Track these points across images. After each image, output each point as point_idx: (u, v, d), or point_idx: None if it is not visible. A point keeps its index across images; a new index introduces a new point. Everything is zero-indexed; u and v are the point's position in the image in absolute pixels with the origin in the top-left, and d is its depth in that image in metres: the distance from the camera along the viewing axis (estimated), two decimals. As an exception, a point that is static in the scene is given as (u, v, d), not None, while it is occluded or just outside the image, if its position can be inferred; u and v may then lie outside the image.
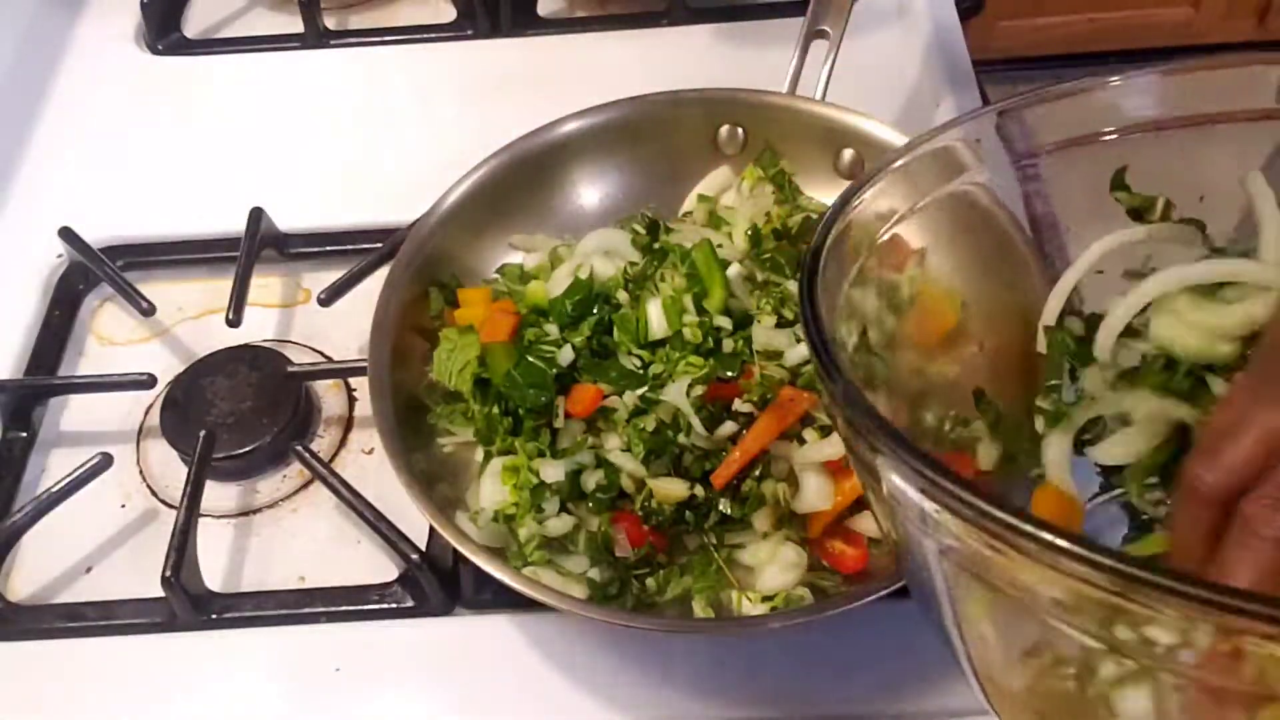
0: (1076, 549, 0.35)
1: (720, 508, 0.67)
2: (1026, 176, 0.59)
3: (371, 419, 0.69)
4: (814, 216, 0.80)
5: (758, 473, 0.67)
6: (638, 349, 0.71)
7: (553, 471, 0.68)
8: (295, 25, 1.04)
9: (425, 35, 1.05)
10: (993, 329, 0.61)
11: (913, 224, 0.56)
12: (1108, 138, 0.58)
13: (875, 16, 0.99)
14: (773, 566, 0.67)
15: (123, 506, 0.77)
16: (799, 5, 0.86)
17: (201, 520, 0.73)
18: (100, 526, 0.76)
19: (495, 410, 0.71)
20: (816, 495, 0.66)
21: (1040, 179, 0.59)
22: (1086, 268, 0.59)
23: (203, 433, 0.75)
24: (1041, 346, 0.59)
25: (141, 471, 0.79)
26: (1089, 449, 0.58)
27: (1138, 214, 0.58)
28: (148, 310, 0.83)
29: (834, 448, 0.67)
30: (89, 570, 0.74)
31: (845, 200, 0.53)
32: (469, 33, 1.05)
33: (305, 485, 0.78)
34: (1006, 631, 0.45)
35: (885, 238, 0.55)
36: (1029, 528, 0.36)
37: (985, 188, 0.58)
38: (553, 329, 0.72)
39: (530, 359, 0.70)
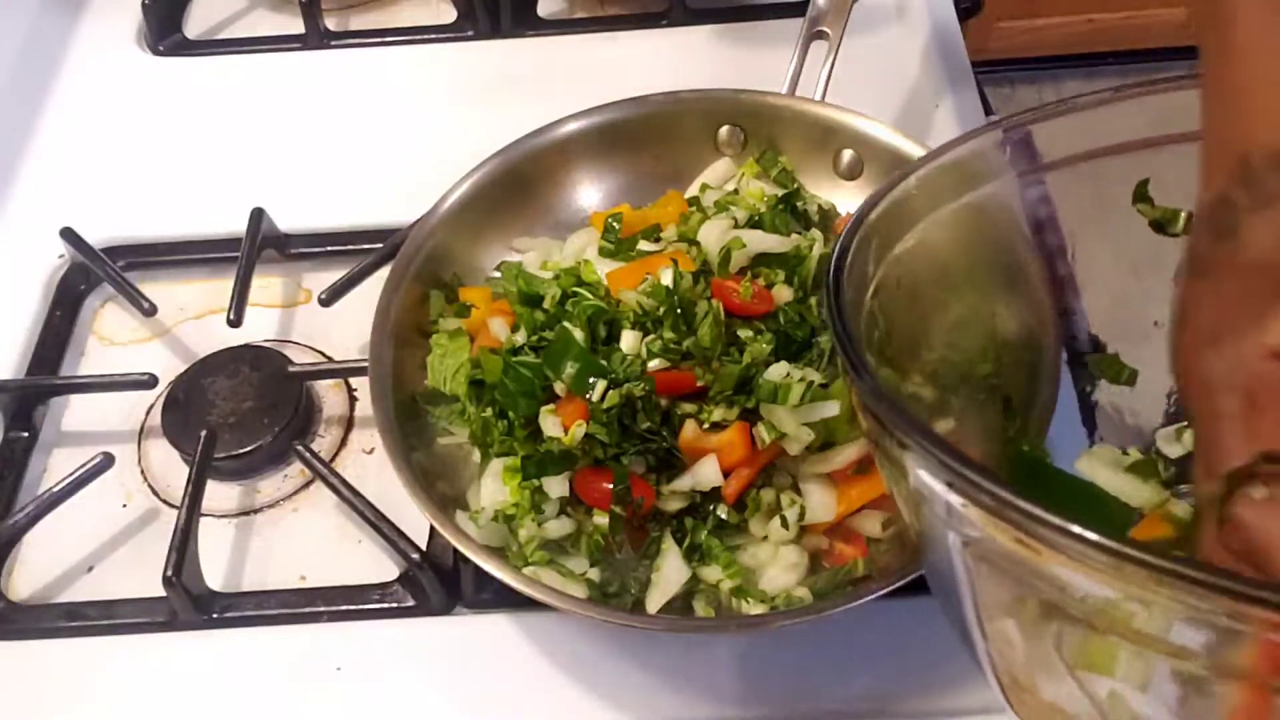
0: (1098, 539, 0.35)
1: (718, 513, 0.67)
2: (1031, 188, 0.60)
3: (372, 419, 0.70)
4: (822, 205, 0.80)
5: (759, 481, 0.68)
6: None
7: (557, 486, 0.67)
8: (296, 26, 1.04)
9: (426, 36, 1.05)
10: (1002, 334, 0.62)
11: (930, 231, 0.57)
12: (1114, 154, 0.58)
13: (875, 17, 0.99)
14: (773, 567, 0.67)
15: (124, 506, 0.77)
16: (799, 5, 0.86)
17: (203, 520, 0.73)
18: (101, 526, 0.76)
19: (490, 413, 0.71)
20: (820, 508, 0.67)
21: (1045, 190, 0.60)
22: None
23: (204, 432, 0.75)
24: None
25: (143, 471, 0.79)
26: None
27: (1160, 226, 0.58)
28: (149, 310, 0.83)
29: (838, 459, 0.67)
30: (90, 570, 0.74)
31: (869, 206, 0.54)
32: (469, 33, 1.05)
33: (306, 485, 0.78)
34: (1029, 627, 0.45)
35: (907, 245, 0.56)
36: (1052, 518, 0.37)
37: (996, 199, 0.59)
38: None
39: (518, 367, 0.69)
